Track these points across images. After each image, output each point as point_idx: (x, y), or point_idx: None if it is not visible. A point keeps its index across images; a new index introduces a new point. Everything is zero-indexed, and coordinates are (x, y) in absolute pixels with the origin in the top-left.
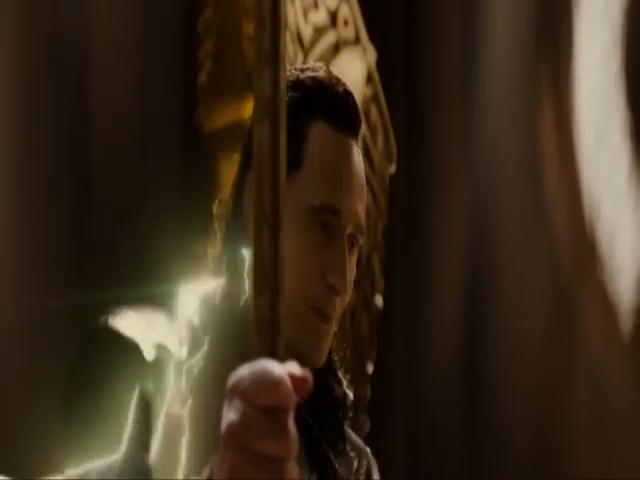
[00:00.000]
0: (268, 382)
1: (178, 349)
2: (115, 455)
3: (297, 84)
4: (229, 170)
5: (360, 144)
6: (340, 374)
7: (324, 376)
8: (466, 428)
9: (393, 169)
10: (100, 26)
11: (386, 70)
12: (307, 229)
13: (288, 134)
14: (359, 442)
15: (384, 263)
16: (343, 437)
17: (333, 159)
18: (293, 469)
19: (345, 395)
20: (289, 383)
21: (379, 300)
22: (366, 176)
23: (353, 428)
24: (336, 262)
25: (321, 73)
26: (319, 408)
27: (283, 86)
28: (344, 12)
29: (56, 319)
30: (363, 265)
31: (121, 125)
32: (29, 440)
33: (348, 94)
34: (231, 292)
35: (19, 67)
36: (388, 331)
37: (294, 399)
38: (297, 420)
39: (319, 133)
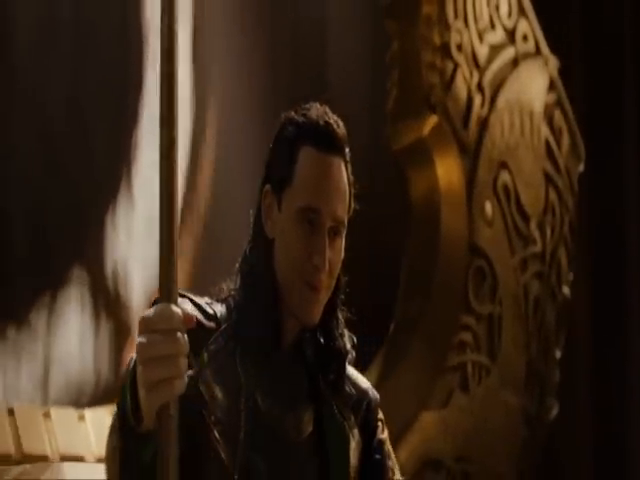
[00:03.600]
0: (165, 315)
1: (206, 322)
2: None
3: (292, 121)
4: (415, 179)
5: (347, 159)
6: (342, 331)
7: (330, 332)
8: None
9: (581, 168)
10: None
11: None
12: (297, 224)
13: (285, 157)
14: (363, 383)
15: (572, 257)
16: (342, 378)
17: (316, 173)
18: (184, 361)
19: (344, 345)
20: (181, 316)
21: (566, 290)
22: (550, 176)
23: (539, 410)
24: (318, 247)
25: (311, 111)
26: (324, 356)
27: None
28: (523, 28)
29: None
30: (548, 258)
31: None
32: None
33: (328, 124)
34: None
35: (263, 68)
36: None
37: (184, 326)
38: (303, 367)
39: (306, 155)
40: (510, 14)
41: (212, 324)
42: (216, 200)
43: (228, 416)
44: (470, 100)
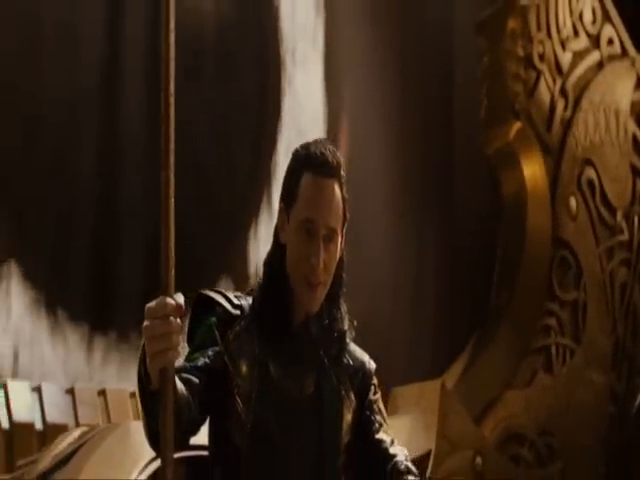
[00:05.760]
0: (162, 304)
1: (232, 310)
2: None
3: (298, 154)
4: (507, 181)
5: (341, 181)
6: (343, 315)
7: (332, 316)
8: None
9: None
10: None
11: None
12: (299, 233)
13: (292, 182)
14: (363, 357)
15: None
16: (342, 352)
17: (313, 193)
18: (177, 338)
19: (344, 326)
20: (174, 305)
21: None
22: (637, 169)
23: (627, 389)
24: (314, 250)
25: (311, 145)
26: (328, 334)
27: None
28: (607, 32)
29: None
30: (636, 246)
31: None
32: None
33: (323, 155)
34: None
35: (394, 77)
36: None
37: (176, 312)
38: (309, 343)
39: (306, 179)
40: (594, 21)
41: (237, 312)
42: (350, 213)
43: (245, 381)
44: (553, 104)
